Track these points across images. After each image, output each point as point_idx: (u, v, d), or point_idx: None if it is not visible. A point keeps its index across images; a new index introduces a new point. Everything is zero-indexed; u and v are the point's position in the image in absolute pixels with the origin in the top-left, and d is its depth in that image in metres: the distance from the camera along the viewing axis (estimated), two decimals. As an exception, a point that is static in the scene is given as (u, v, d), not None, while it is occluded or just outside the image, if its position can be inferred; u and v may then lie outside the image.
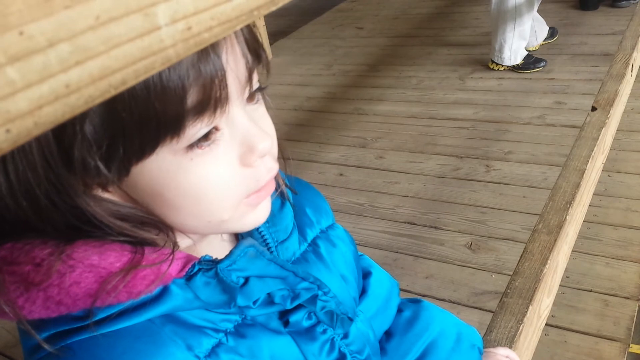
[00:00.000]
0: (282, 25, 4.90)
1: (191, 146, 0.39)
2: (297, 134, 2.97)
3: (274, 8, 0.27)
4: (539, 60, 3.17)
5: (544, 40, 3.44)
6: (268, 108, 0.50)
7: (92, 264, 0.39)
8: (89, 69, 0.18)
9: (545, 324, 1.07)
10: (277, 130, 0.51)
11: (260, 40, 0.45)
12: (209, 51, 0.37)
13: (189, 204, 0.42)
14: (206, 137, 0.40)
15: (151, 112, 0.36)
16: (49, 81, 0.17)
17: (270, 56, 4.10)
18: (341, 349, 0.54)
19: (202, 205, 0.42)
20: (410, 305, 0.72)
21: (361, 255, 0.71)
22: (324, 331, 0.52)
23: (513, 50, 3.13)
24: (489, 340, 0.85)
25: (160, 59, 0.21)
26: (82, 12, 0.18)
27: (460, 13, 4.34)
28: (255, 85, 0.44)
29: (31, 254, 0.39)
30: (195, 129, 0.39)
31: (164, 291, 0.41)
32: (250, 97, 0.44)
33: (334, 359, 0.53)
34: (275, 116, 0.54)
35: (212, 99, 0.38)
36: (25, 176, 0.37)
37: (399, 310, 0.71)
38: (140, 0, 0.19)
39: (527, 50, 3.21)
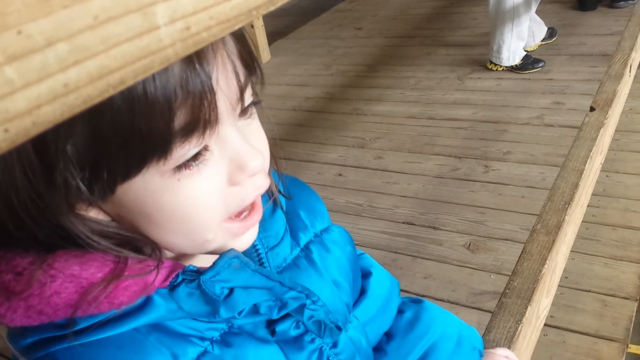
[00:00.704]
0: (280, 26, 4.90)
1: (179, 167, 0.38)
2: (295, 134, 2.97)
3: (272, 8, 0.27)
4: (538, 60, 3.18)
5: (542, 41, 3.44)
6: (264, 109, 0.49)
7: (73, 274, 0.38)
8: (87, 69, 0.18)
9: (544, 325, 1.07)
10: (275, 130, 0.50)
11: (255, 54, 0.44)
12: (198, 70, 0.36)
13: (174, 223, 0.41)
14: (195, 157, 0.39)
15: (136, 134, 0.35)
16: (47, 81, 0.17)
17: (268, 57, 4.10)
18: (330, 358, 0.53)
19: (187, 225, 0.41)
20: (412, 306, 0.71)
21: (362, 254, 0.70)
22: (312, 340, 0.51)
23: (511, 51, 3.13)
24: (488, 340, 0.85)
25: (159, 58, 0.21)
26: (80, 11, 0.18)
27: (458, 13, 4.34)
28: (249, 100, 0.43)
29: (12, 263, 0.38)
30: (183, 150, 0.38)
31: (147, 301, 0.41)
32: (243, 112, 0.43)
33: None
34: (274, 116, 0.53)
35: (201, 120, 0.37)
36: (7, 192, 0.36)
37: (400, 311, 0.71)
38: (139, -1, 0.19)
39: (525, 51, 3.22)
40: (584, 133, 1.34)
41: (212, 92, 0.37)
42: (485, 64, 3.32)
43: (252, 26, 3.75)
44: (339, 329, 0.53)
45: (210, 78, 0.37)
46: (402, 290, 0.74)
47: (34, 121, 0.17)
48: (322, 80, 3.64)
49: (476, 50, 3.56)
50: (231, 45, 0.40)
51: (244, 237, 0.46)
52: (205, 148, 0.40)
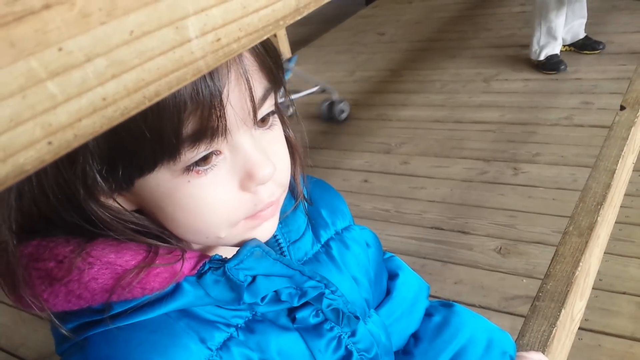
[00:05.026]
0: (303, 34, 4.92)
1: (188, 168, 0.41)
2: (321, 142, 2.98)
3: (299, 17, 0.27)
4: (560, 62, 3.11)
5: (576, 48, 3.31)
6: (291, 114, 0.51)
7: (109, 262, 0.41)
8: (124, 82, 0.19)
9: (579, 328, 1.05)
10: (305, 135, 0.51)
11: (282, 65, 0.46)
12: (209, 84, 0.38)
13: (186, 220, 0.44)
14: (205, 160, 0.41)
15: (147, 138, 0.38)
16: (87, 94, 0.18)
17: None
18: (348, 346, 0.55)
19: (198, 224, 0.44)
20: (441, 310, 0.71)
21: (391, 256, 0.72)
22: (331, 328, 0.53)
23: (540, 46, 3.10)
24: (522, 344, 0.83)
25: (191, 70, 0.21)
26: (117, 27, 0.18)
27: (483, 15, 4.31)
28: (266, 111, 0.45)
29: (54, 251, 0.41)
30: (192, 154, 0.40)
31: (177, 288, 0.44)
32: (262, 122, 0.45)
33: (340, 355, 0.54)
34: (299, 124, 0.55)
35: (209, 130, 0.39)
36: (39, 176, 0.40)
37: (429, 315, 0.71)
38: (171, 14, 0.20)
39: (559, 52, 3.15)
40: (615, 132, 1.32)
41: (221, 105, 0.39)
42: (510, 65, 3.29)
43: (275, 35, 3.78)
44: (357, 318, 0.55)
45: (220, 92, 0.39)
46: (432, 296, 0.73)
47: (75, 134, 0.18)
48: (346, 86, 3.64)
49: (502, 52, 3.53)
50: (250, 60, 0.42)
51: (262, 228, 0.48)
52: (217, 153, 0.42)
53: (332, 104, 3.16)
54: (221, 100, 0.39)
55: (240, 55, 0.41)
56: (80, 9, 0.17)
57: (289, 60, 3.01)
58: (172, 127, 0.38)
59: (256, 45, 0.42)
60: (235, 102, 0.41)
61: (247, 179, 0.43)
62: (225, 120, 0.40)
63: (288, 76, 2.94)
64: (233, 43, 0.23)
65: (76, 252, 0.41)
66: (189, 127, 0.39)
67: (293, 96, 2.83)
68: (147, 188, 0.42)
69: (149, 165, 0.40)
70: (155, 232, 0.44)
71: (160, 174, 0.41)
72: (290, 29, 4.28)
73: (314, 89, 3.17)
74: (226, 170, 0.43)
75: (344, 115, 3.17)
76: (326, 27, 4.95)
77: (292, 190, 0.55)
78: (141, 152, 0.39)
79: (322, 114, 3.19)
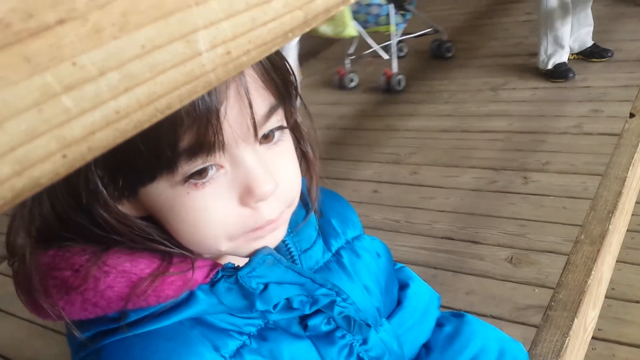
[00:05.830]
0: (311, 46, 4.94)
1: (186, 180, 0.41)
2: (330, 153, 2.99)
3: (307, 29, 0.27)
4: (568, 70, 3.10)
5: (584, 56, 3.30)
6: (304, 119, 0.51)
7: (124, 270, 0.42)
8: (136, 95, 0.19)
9: (592, 338, 1.04)
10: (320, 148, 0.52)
11: (292, 81, 0.46)
12: (206, 99, 0.38)
13: (186, 232, 0.44)
14: (202, 173, 0.42)
15: (145, 151, 0.39)
16: (100, 108, 0.19)
17: (300, 78, 4.14)
18: (360, 354, 0.55)
19: (197, 236, 0.44)
20: (452, 320, 0.71)
21: (402, 267, 0.72)
22: (343, 336, 0.53)
23: (548, 55, 3.10)
24: (534, 354, 0.83)
25: (202, 83, 0.22)
26: (129, 41, 0.19)
27: (489, 25, 4.31)
28: (270, 127, 0.45)
29: (71, 261, 0.42)
30: (189, 167, 0.41)
31: (190, 296, 0.44)
32: (266, 138, 0.45)
33: None
34: (308, 135, 0.55)
35: (205, 145, 0.40)
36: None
37: (441, 325, 0.71)
38: (182, 28, 0.20)
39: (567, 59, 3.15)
40: (625, 140, 1.31)
41: (218, 121, 0.40)
42: (518, 74, 3.28)
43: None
44: (368, 326, 0.55)
45: (217, 108, 0.39)
46: (444, 307, 0.73)
47: (89, 147, 0.18)
48: (355, 97, 3.65)
49: (509, 61, 3.52)
50: (252, 77, 0.42)
51: (267, 239, 0.47)
52: (218, 167, 0.42)
53: (440, 44, 3.80)
54: (218, 117, 0.39)
55: (241, 72, 0.41)
56: (93, 25, 0.18)
57: (410, 3, 3.48)
58: (168, 141, 0.39)
59: (263, 62, 0.43)
60: (234, 118, 0.41)
61: (246, 195, 0.43)
62: (223, 136, 0.40)
63: (408, 17, 3.56)
64: (243, 56, 0.23)
65: (92, 261, 0.42)
66: (185, 142, 0.39)
67: (408, 36, 3.79)
68: (150, 197, 0.43)
69: (148, 176, 0.41)
70: (159, 240, 0.45)
71: (161, 184, 0.42)
72: (298, 42, 4.30)
73: (428, 30, 3.82)
74: (226, 184, 0.43)
75: (449, 54, 3.79)
76: (334, 39, 4.96)
77: (305, 202, 0.55)
78: (140, 163, 0.40)
79: (431, 52, 3.88)
